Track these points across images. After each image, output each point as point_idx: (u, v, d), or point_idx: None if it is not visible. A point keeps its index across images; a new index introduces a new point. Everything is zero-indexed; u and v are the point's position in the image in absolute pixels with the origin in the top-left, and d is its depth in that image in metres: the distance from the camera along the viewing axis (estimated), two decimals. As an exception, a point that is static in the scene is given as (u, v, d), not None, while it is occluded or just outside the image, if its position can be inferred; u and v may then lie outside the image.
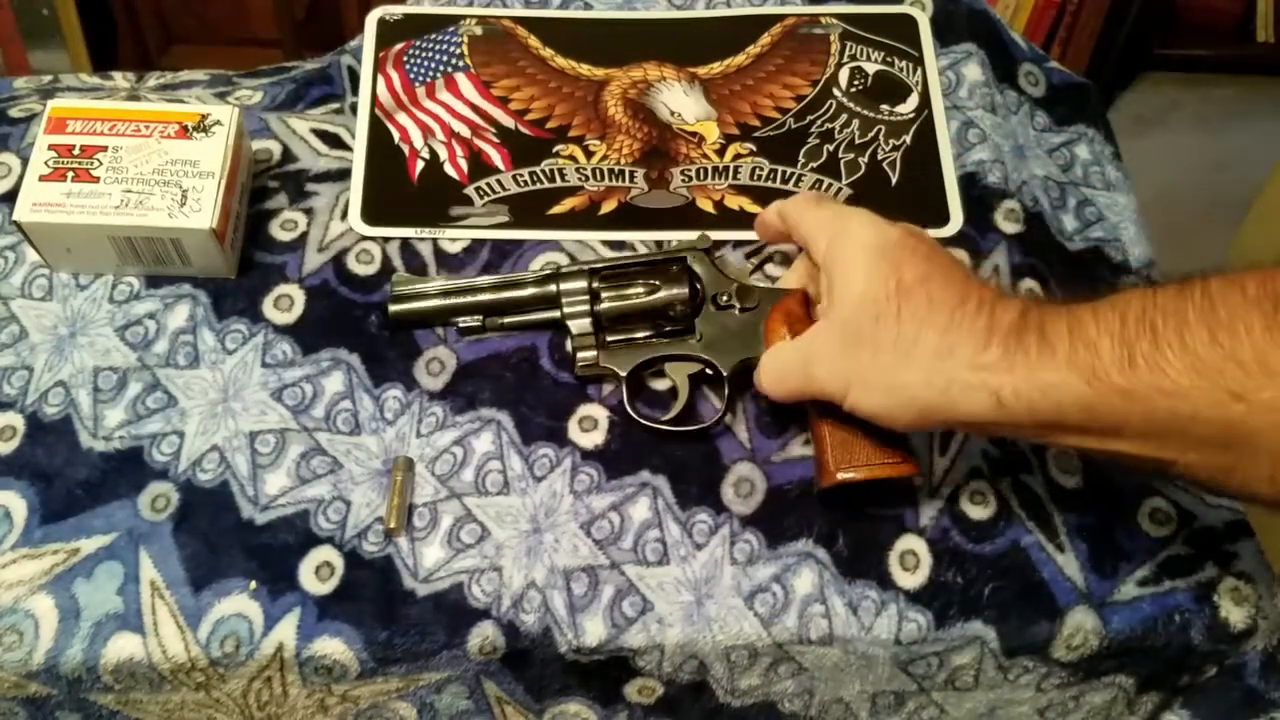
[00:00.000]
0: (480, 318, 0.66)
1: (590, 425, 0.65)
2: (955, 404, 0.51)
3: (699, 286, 0.65)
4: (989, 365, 0.50)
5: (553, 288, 0.65)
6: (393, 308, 0.66)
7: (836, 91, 0.77)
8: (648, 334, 0.65)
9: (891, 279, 0.54)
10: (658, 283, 0.65)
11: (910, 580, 0.61)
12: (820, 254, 0.58)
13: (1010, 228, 0.72)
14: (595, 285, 0.65)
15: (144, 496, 0.61)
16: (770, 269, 0.70)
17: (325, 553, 0.60)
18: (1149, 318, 0.46)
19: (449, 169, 0.73)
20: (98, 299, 0.67)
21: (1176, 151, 1.85)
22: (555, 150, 0.74)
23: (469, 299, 0.66)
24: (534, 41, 0.79)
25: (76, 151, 0.66)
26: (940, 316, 0.52)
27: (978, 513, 0.63)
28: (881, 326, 0.53)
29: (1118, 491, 0.64)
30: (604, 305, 0.64)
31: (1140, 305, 0.47)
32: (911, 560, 0.61)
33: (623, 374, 0.64)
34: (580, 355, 0.64)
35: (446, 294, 0.66)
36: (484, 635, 0.59)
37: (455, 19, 0.79)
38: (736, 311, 0.65)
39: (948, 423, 0.54)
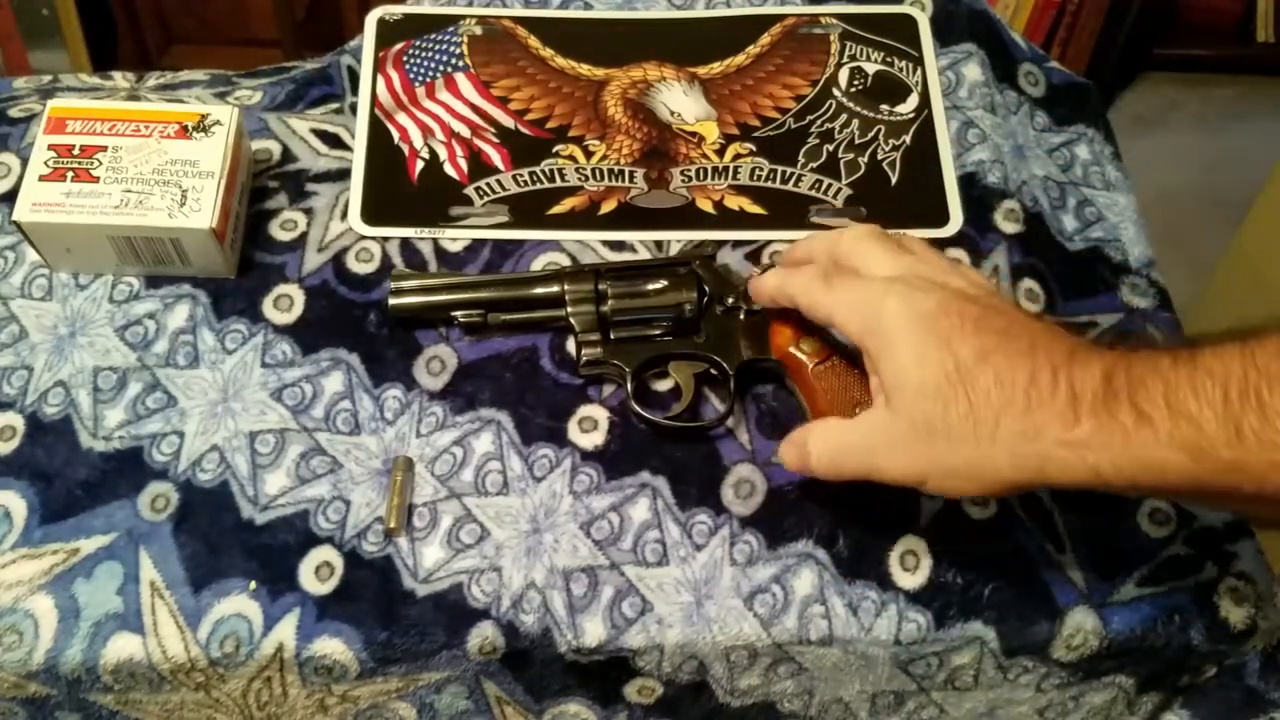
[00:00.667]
0: (481, 313, 0.66)
1: (590, 426, 0.65)
2: (1049, 477, 0.49)
3: (705, 288, 0.65)
4: (1081, 442, 0.47)
5: (557, 287, 0.65)
6: (392, 301, 0.66)
7: (836, 91, 0.77)
8: (654, 333, 0.65)
9: (948, 360, 0.50)
10: (665, 284, 0.65)
11: (910, 581, 0.61)
12: (855, 337, 0.55)
13: (1010, 228, 0.72)
14: (602, 286, 0.65)
15: (144, 496, 0.61)
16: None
17: (325, 553, 0.60)
18: (1253, 386, 0.44)
19: (449, 169, 0.73)
20: (98, 299, 0.67)
21: (1176, 151, 1.85)
22: (555, 150, 0.74)
23: (470, 294, 0.66)
24: (534, 41, 0.79)
25: (76, 151, 0.66)
26: (1016, 398, 0.48)
27: (978, 513, 0.63)
28: (952, 414, 0.49)
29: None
30: (610, 305, 0.64)
31: (1241, 372, 0.44)
32: (911, 561, 0.61)
33: (629, 369, 0.64)
34: (585, 353, 0.64)
35: (447, 289, 0.66)
36: (484, 635, 0.59)
37: (455, 19, 0.79)
38: (741, 314, 0.65)
39: (1041, 487, 0.52)
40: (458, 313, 0.65)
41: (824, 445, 0.56)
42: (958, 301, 0.52)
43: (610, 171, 0.73)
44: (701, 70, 0.78)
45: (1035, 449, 0.48)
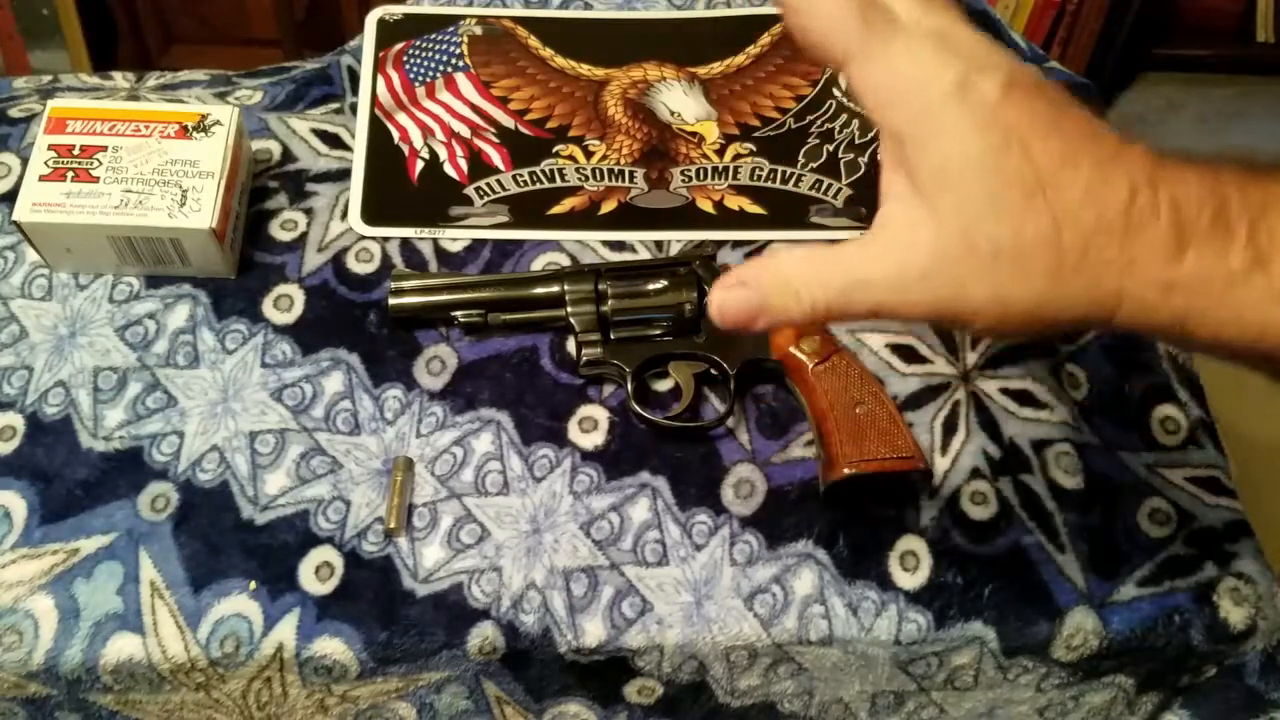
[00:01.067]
0: (482, 313, 0.66)
1: (590, 426, 0.65)
2: (1120, 321, 0.39)
3: (705, 289, 0.65)
4: (1179, 284, 0.38)
5: (557, 287, 0.65)
6: (392, 301, 0.66)
7: (836, 91, 0.77)
8: (654, 333, 0.65)
9: (1025, 166, 0.39)
10: (666, 284, 0.65)
11: (910, 581, 0.61)
12: (876, 108, 0.42)
13: (1010, 228, 0.72)
14: (602, 286, 0.65)
15: (144, 496, 0.61)
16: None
17: (325, 553, 0.60)
18: None
19: (449, 169, 0.73)
20: (98, 299, 0.67)
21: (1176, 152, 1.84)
22: (555, 150, 0.74)
23: (470, 294, 0.66)
24: (534, 41, 0.79)
25: (76, 151, 0.66)
26: (1112, 221, 0.38)
27: (978, 513, 0.63)
28: (1027, 235, 0.38)
29: (1117, 492, 0.64)
30: (610, 305, 0.64)
31: None
32: (911, 561, 0.61)
33: (630, 369, 0.64)
34: (585, 353, 0.64)
35: (447, 289, 0.66)
36: (484, 635, 0.59)
37: (455, 19, 0.80)
38: None
39: (1104, 331, 0.41)
40: (458, 313, 0.65)
41: (819, 285, 0.42)
42: (1027, 89, 0.40)
43: (610, 171, 0.73)
44: (701, 70, 0.78)
45: (1120, 285, 0.38)
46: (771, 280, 0.42)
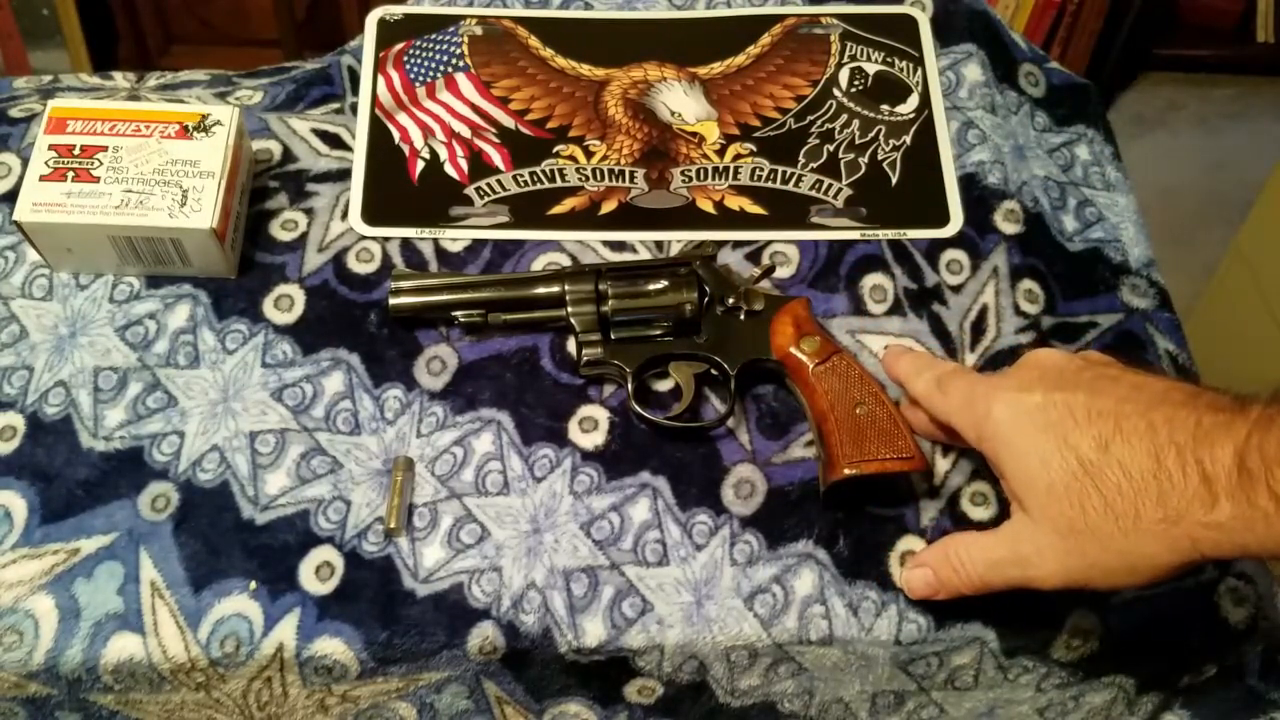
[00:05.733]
0: (482, 313, 0.66)
1: (590, 426, 0.65)
2: (1206, 554, 0.48)
3: (705, 289, 0.65)
4: (1224, 525, 0.46)
5: (558, 287, 0.65)
6: (393, 300, 0.66)
7: (837, 92, 0.77)
8: (654, 333, 0.65)
9: (1070, 456, 0.49)
10: (666, 284, 0.65)
11: (910, 581, 0.61)
12: (974, 443, 0.55)
13: (1010, 228, 0.72)
14: (602, 286, 0.65)
15: (144, 496, 0.61)
16: (768, 281, 0.70)
17: (325, 553, 0.60)
18: None
19: (449, 169, 0.73)
20: (98, 299, 0.67)
21: (1176, 151, 1.85)
22: (555, 150, 0.74)
23: (471, 294, 0.66)
24: (534, 41, 0.79)
25: (77, 151, 0.66)
26: (1148, 486, 0.48)
27: (978, 514, 0.63)
28: (1090, 512, 0.49)
29: (1118, 492, 0.64)
30: (611, 305, 0.64)
31: None
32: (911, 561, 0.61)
33: (630, 369, 0.64)
34: (585, 353, 0.64)
35: (448, 288, 0.66)
36: (484, 635, 0.59)
37: (455, 19, 0.79)
38: (742, 315, 0.65)
39: (1204, 563, 0.52)
40: (458, 312, 0.65)
41: (969, 563, 0.54)
42: (1063, 388, 0.51)
43: (610, 172, 0.73)
44: (702, 70, 0.78)
45: (1182, 531, 0.47)
46: (941, 564, 0.56)
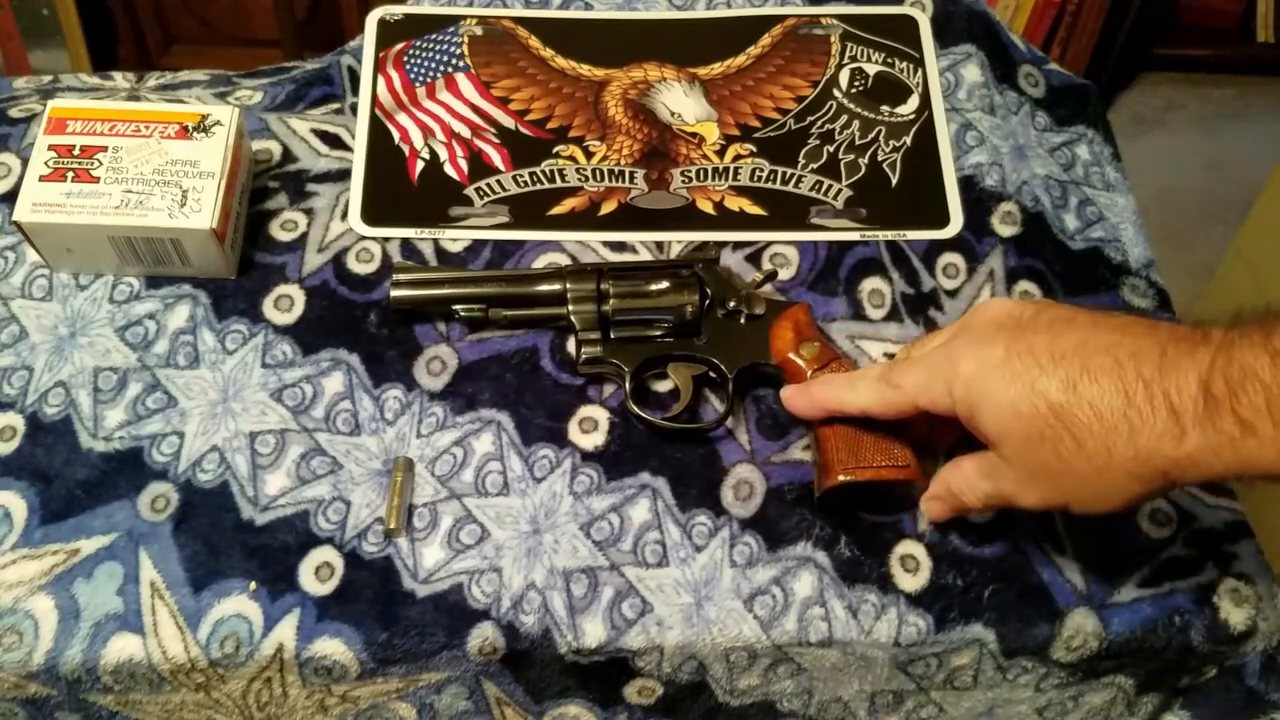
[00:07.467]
0: (483, 308, 0.66)
1: (590, 427, 0.65)
2: (1178, 482, 0.49)
3: (707, 292, 0.65)
4: (1195, 453, 0.47)
5: (559, 285, 0.65)
6: (394, 293, 0.65)
7: (837, 92, 0.77)
8: (654, 334, 0.65)
9: (1040, 403, 0.50)
10: (668, 285, 0.65)
11: (910, 583, 0.61)
12: (944, 410, 0.55)
13: (1007, 231, 0.72)
14: (604, 285, 0.65)
15: (144, 497, 0.61)
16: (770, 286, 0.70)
17: (325, 553, 0.60)
18: None
19: (449, 169, 0.73)
20: (98, 299, 0.67)
21: (1176, 151, 1.85)
22: (555, 151, 0.74)
23: (472, 289, 0.66)
24: (534, 42, 0.79)
25: (76, 151, 0.66)
26: (1118, 425, 0.48)
27: (978, 515, 0.63)
28: (1064, 453, 0.50)
29: (1117, 493, 0.64)
30: (612, 304, 0.64)
31: None
32: (911, 563, 0.61)
33: (629, 369, 0.64)
34: (585, 351, 0.64)
35: (449, 282, 0.66)
36: (484, 636, 0.59)
37: (455, 19, 0.79)
38: (742, 319, 0.65)
39: (1176, 489, 0.53)
40: (458, 307, 0.65)
41: (965, 492, 0.57)
42: (1023, 335, 0.52)
43: (610, 172, 0.73)
44: (702, 71, 0.78)
45: (1154, 464, 0.48)
46: (946, 494, 0.58)
